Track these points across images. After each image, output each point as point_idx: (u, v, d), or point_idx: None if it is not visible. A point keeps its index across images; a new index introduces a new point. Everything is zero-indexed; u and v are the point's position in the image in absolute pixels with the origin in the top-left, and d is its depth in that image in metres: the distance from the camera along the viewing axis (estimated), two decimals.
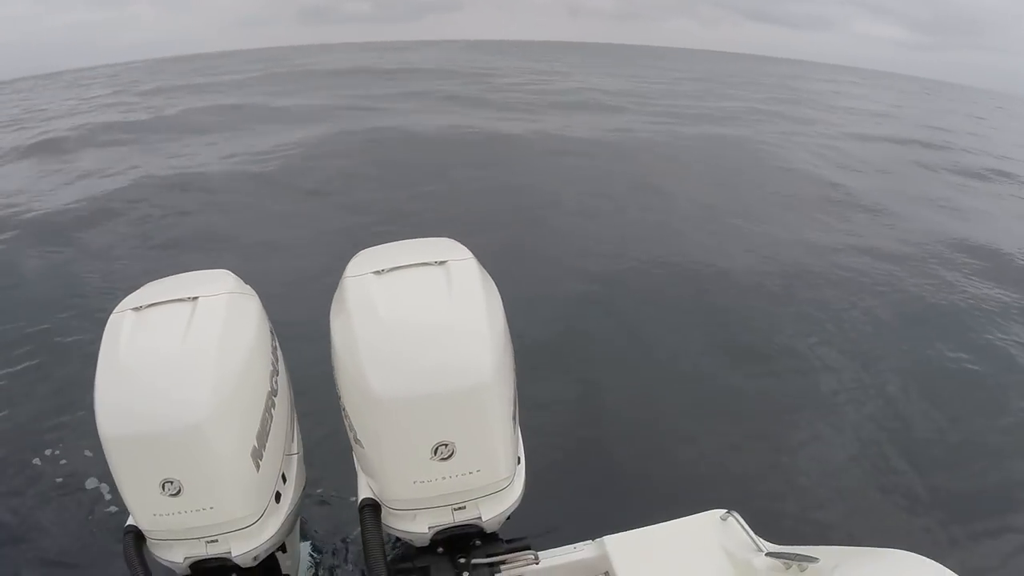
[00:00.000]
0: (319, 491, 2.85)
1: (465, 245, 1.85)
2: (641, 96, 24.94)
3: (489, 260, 1.83)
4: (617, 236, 7.64)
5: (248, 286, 1.89)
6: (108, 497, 3.21)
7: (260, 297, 1.87)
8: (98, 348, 1.57)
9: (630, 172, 11.31)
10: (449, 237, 1.91)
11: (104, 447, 1.45)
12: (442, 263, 1.68)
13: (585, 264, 6.63)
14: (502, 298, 1.70)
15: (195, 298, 1.65)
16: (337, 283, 1.75)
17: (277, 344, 1.85)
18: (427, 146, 12.76)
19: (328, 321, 1.67)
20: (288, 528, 1.69)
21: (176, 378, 1.48)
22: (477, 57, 49.16)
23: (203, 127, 15.66)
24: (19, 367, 4.66)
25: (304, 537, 2.28)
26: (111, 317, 1.63)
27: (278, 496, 1.65)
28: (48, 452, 3.69)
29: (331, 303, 1.72)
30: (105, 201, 9.18)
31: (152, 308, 1.64)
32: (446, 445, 1.49)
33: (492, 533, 1.68)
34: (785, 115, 22.15)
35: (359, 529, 1.61)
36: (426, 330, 1.52)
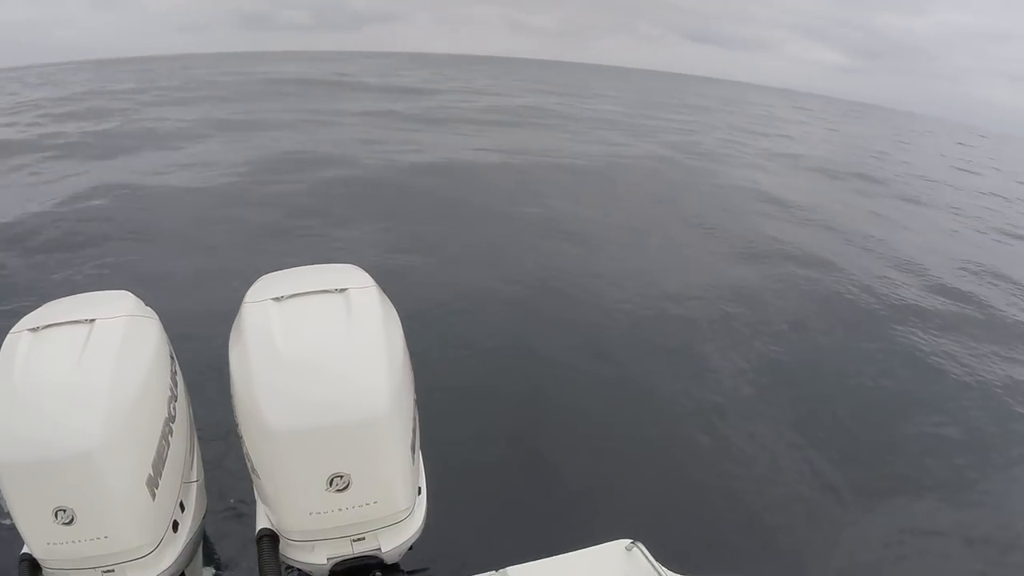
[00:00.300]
0: (223, 516, 2.75)
1: (369, 269, 1.83)
2: (570, 117, 25.23)
3: (396, 282, 1.83)
4: (531, 257, 7.52)
5: (149, 308, 1.85)
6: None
7: (162, 318, 1.83)
8: None
9: (547, 191, 11.25)
10: (353, 264, 1.88)
11: None
12: (342, 291, 1.66)
13: (497, 288, 6.54)
14: (406, 325, 1.68)
15: (92, 320, 1.61)
16: (239, 302, 1.72)
17: (178, 369, 1.81)
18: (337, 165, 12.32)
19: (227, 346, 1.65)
20: (187, 558, 1.65)
21: (68, 403, 1.44)
22: (412, 71, 47.62)
23: (127, 137, 14.99)
24: None
25: (208, 562, 2.20)
26: (7, 337, 1.60)
27: (176, 525, 1.62)
28: None
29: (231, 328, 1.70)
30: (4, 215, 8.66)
31: (49, 329, 1.60)
32: (341, 477, 1.49)
33: (393, 564, 1.67)
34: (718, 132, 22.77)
35: None
36: (322, 361, 1.51)
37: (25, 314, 1.66)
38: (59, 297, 1.80)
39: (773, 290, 7.21)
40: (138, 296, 1.85)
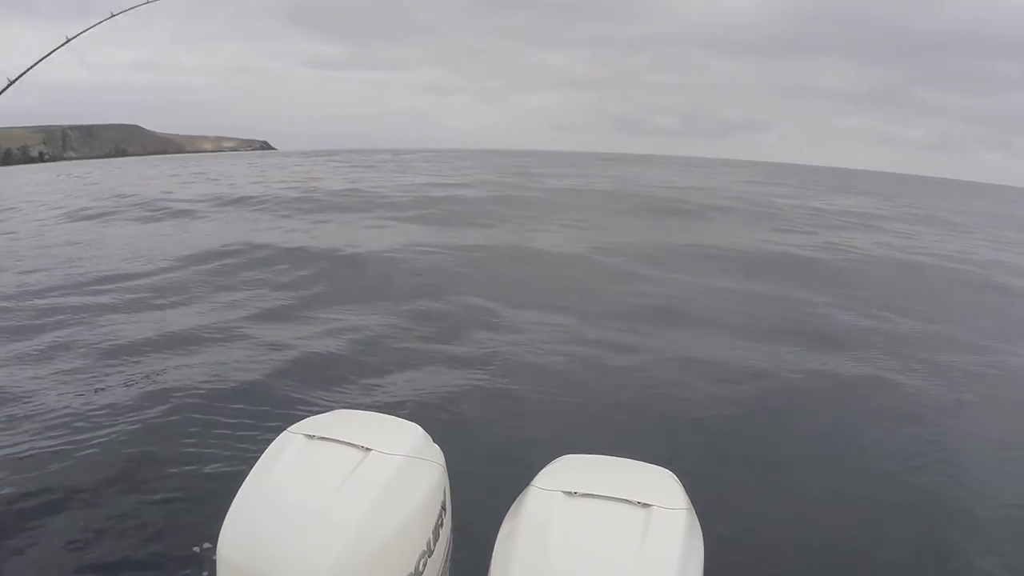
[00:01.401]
0: None
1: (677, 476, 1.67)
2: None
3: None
4: None
5: (436, 447, 1.78)
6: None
7: (448, 462, 1.75)
8: (259, 455, 1.57)
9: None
10: (669, 469, 1.74)
11: (217, 558, 1.45)
12: (646, 507, 1.48)
13: None
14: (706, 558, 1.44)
15: (369, 450, 1.58)
16: (532, 477, 1.63)
17: (447, 523, 1.69)
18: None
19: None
20: None
21: (311, 528, 1.41)
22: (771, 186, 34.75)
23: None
24: None
25: None
26: (284, 434, 1.64)
27: None
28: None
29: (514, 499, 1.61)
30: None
31: (324, 443, 1.60)
32: None
33: None
34: None
35: None
36: None
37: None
38: (357, 406, 1.83)
39: None
40: (429, 433, 1.78)
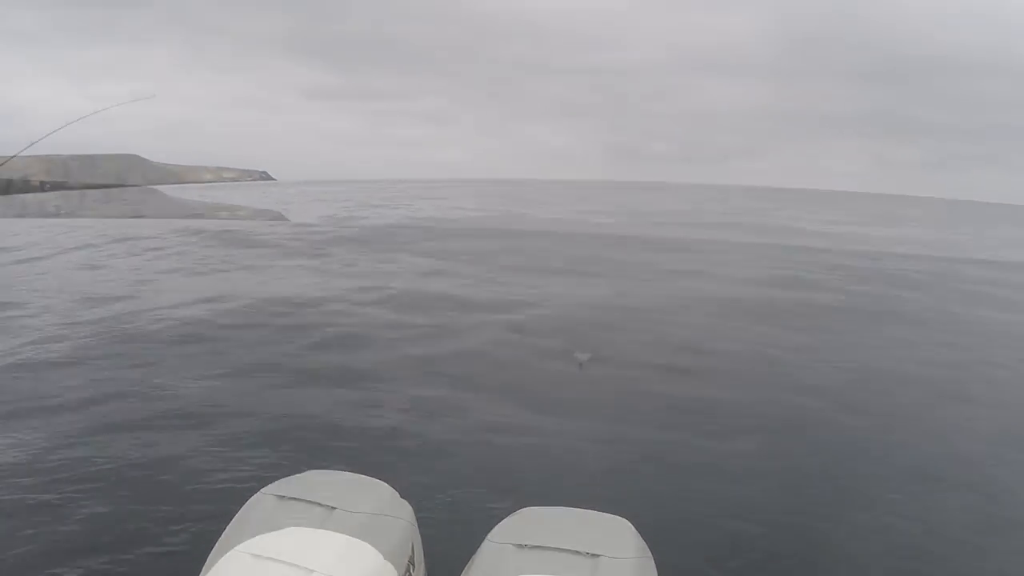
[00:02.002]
0: None
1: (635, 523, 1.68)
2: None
3: None
4: None
5: (405, 504, 1.79)
6: None
7: (416, 512, 1.77)
8: (233, 515, 1.63)
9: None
10: (627, 518, 1.76)
11: None
12: (595, 557, 1.49)
13: None
14: None
15: (333, 509, 1.62)
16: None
17: (419, 571, 1.72)
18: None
19: None
20: None
21: None
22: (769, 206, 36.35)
23: None
24: None
25: None
26: (255, 495, 1.70)
27: None
28: None
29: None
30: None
31: (293, 503, 1.64)
32: None
33: None
34: None
35: None
36: None
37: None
38: (390, 489, 1.83)
39: None
40: (396, 489, 1.79)
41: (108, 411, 5.24)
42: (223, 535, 1.61)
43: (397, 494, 1.81)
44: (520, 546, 1.54)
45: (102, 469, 4.25)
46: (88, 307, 8.95)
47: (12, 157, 3.79)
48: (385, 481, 1.91)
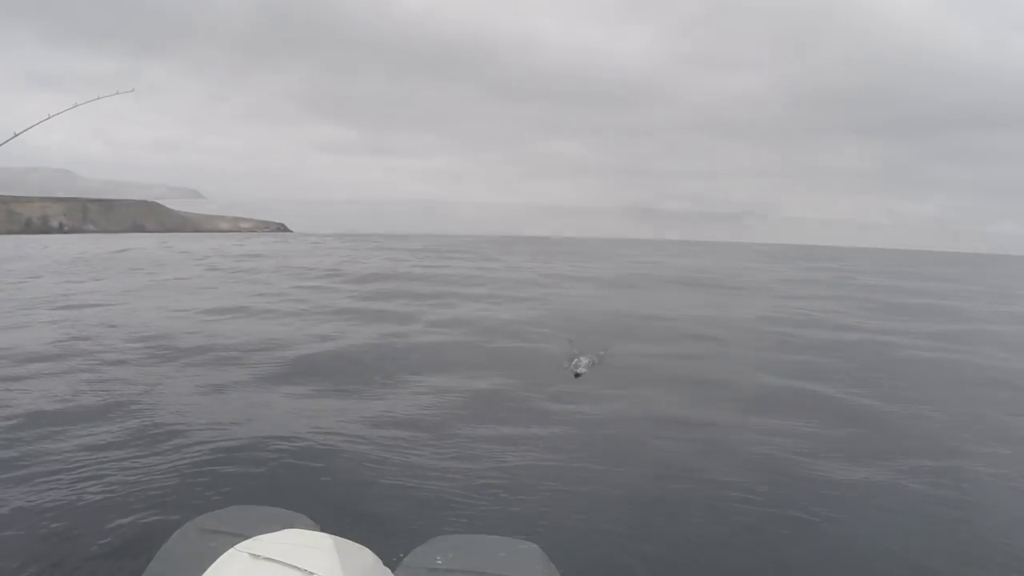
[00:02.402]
0: None
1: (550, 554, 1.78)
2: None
3: None
4: None
5: (388, 571, 1.78)
6: None
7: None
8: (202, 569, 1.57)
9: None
10: (539, 546, 1.86)
11: None
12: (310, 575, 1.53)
13: None
14: None
15: (310, 573, 1.55)
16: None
17: None
18: None
19: None
20: None
21: None
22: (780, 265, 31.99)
23: None
24: None
25: None
26: (230, 551, 1.62)
27: None
28: None
29: None
30: None
31: (269, 563, 1.58)
32: None
33: None
34: None
35: None
36: None
37: None
38: (311, 523, 1.93)
39: None
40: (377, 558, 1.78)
41: None
42: (148, 568, 1.67)
43: (380, 561, 1.80)
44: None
45: None
46: None
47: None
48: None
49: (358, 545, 1.78)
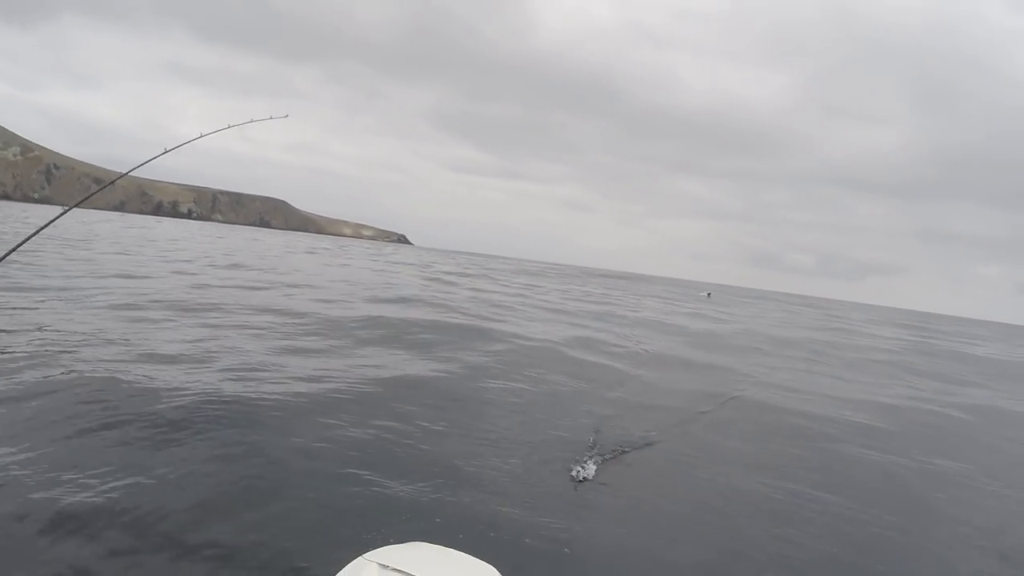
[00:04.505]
0: None
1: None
2: None
3: None
4: None
5: None
6: None
7: None
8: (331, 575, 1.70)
9: None
10: (494, 568, 1.84)
11: None
12: None
13: None
14: None
15: None
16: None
17: None
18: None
19: None
20: None
21: None
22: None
23: None
24: None
25: None
26: (359, 559, 1.69)
27: None
28: None
29: None
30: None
31: (396, 574, 1.62)
32: None
33: None
34: None
35: None
36: None
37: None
38: (436, 540, 1.94)
39: None
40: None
41: None
42: None
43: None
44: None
45: None
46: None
47: (149, 160, 3.74)
48: (493, 565, 1.87)
49: (483, 563, 1.82)
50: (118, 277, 14.75)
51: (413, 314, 14.21)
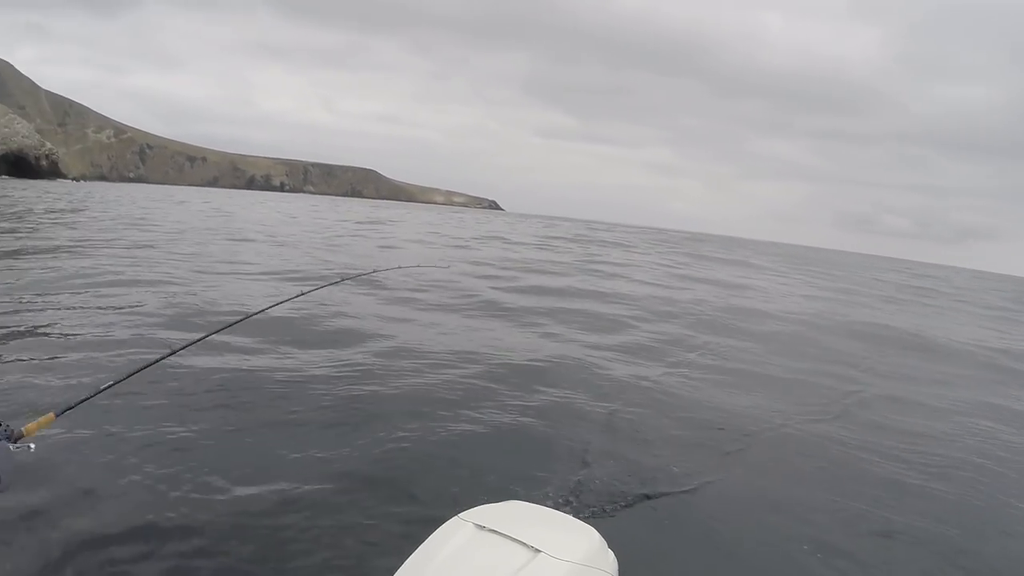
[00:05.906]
0: None
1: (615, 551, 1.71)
2: None
3: None
4: None
5: (611, 555, 1.72)
6: None
7: (620, 564, 1.69)
8: (427, 534, 1.66)
9: None
10: (594, 529, 1.80)
11: None
12: (535, 552, 1.55)
13: None
14: None
15: (538, 551, 1.55)
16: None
17: None
18: None
19: None
20: None
21: None
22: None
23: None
24: None
25: None
26: (454, 519, 1.69)
27: None
28: None
29: None
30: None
31: (493, 535, 1.61)
32: None
33: None
34: None
35: None
36: None
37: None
38: (534, 499, 1.97)
39: None
40: (606, 540, 1.73)
41: None
42: (413, 554, 1.61)
43: (605, 543, 1.73)
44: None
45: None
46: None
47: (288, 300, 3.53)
48: (593, 526, 1.83)
49: (583, 524, 1.82)
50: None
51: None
